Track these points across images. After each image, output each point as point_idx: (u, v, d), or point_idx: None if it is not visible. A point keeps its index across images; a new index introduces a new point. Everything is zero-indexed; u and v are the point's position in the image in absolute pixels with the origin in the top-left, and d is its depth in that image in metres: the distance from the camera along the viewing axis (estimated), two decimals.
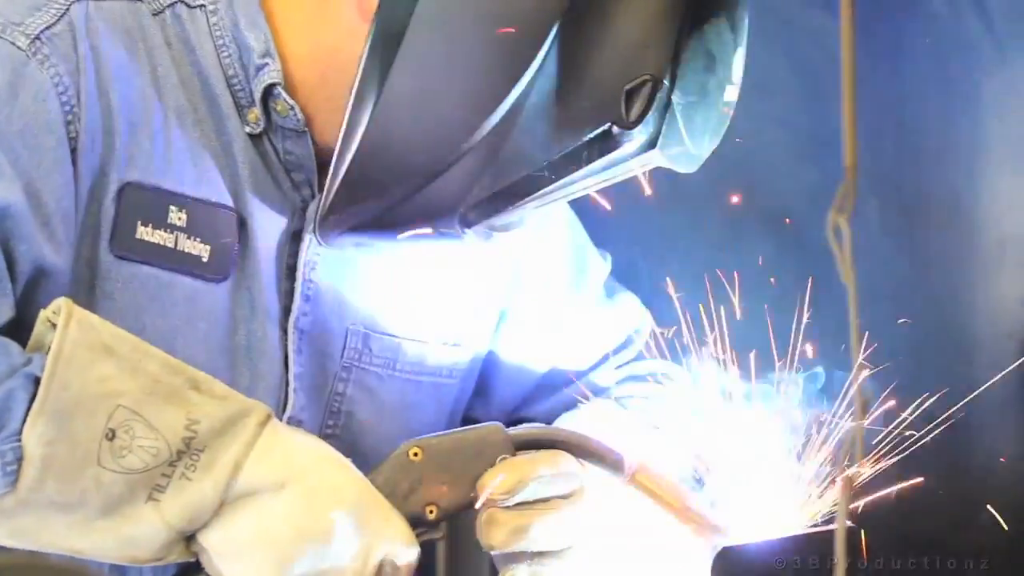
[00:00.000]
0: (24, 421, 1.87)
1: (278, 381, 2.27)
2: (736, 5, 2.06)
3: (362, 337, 2.33)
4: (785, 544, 2.06)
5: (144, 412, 1.90)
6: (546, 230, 2.47)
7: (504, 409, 2.51)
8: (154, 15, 2.22)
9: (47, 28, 2.15)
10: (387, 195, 2.13)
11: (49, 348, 1.91)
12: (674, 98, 2.05)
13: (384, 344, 2.35)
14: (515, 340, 2.49)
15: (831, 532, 1.66)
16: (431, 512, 2.03)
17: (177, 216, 2.19)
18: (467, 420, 2.49)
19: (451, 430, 2.10)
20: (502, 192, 2.11)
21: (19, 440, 1.87)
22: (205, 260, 2.21)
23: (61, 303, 1.95)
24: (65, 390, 1.89)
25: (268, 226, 2.25)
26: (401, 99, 2.04)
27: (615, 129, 2.04)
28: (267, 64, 2.21)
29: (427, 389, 2.40)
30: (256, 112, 2.22)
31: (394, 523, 1.97)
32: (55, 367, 1.89)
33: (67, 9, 2.16)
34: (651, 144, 2.06)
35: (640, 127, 2.03)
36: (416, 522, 2.01)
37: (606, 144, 2.06)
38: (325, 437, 2.30)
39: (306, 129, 2.22)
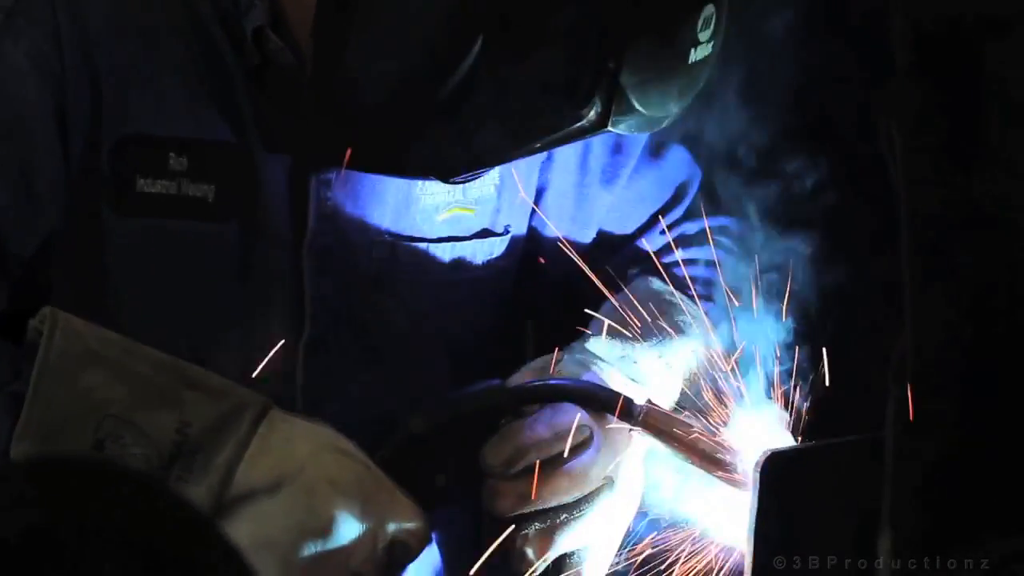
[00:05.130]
0: (11, 442, 1.89)
1: (294, 307, 2.24)
2: None
3: (389, 247, 2.28)
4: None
5: (134, 418, 1.90)
6: None
7: (555, 285, 2.44)
8: None
9: None
10: (363, 137, 2.12)
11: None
12: (623, 79, 1.94)
13: (412, 250, 2.29)
14: (556, 215, 2.40)
15: None
16: (440, 482, 2.04)
17: (177, 161, 2.17)
18: (518, 308, 2.46)
19: (453, 394, 2.08)
20: (467, 153, 2.06)
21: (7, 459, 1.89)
22: (210, 200, 2.19)
23: (46, 312, 1.94)
24: (49, 407, 1.90)
25: (274, 157, 2.20)
26: (358, 54, 2.02)
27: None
28: (255, 5, 2.14)
29: (464, 288, 2.35)
30: (251, 48, 2.16)
31: (398, 501, 1.98)
32: (39, 383, 1.90)
33: None
34: (603, 122, 1.99)
35: (588, 109, 1.97)
36: (427, 494, 2.02)
37: (558, 121, 2.00)
38: (362, 350, 2.31)
39: (302, 65, 2.16)
